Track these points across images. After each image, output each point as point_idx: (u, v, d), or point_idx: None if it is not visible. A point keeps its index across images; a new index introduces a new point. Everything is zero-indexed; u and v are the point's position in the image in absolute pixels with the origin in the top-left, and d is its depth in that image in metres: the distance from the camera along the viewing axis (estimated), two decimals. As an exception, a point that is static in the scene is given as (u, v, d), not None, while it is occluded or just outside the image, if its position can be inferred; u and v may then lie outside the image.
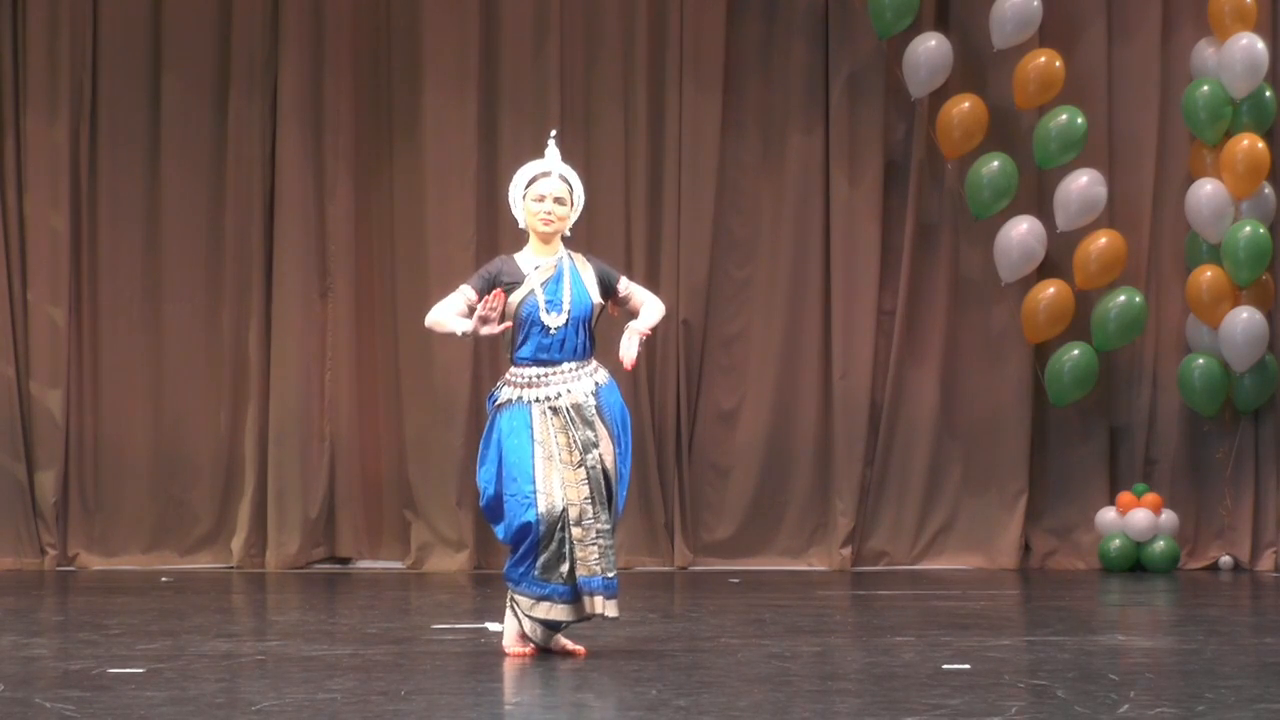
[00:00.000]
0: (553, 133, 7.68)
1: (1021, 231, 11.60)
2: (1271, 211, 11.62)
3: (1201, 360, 11.58)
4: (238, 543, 11.74)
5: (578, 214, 7.44)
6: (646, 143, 11.90)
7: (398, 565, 11.84)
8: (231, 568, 11.74)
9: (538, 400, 7.21)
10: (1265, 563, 11.77)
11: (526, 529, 7.15)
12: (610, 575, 7.18)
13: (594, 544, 7.14)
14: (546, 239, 7.33)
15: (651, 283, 11.80)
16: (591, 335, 7.32)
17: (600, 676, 6.75)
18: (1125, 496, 11.63)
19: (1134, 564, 11.60)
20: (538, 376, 7.22)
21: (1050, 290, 11.64)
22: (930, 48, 11.61)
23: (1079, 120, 11.54)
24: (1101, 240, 11.60)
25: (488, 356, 11.67)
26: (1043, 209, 11.77)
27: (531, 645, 7.25)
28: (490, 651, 7.52)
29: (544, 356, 7.23)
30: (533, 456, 7.17)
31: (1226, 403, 11.69)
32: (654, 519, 11.82)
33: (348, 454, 11.84)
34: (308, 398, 11.79)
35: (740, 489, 11.95)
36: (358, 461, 11.87)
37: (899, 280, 11.90)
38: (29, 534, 11.67)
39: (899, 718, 5.80)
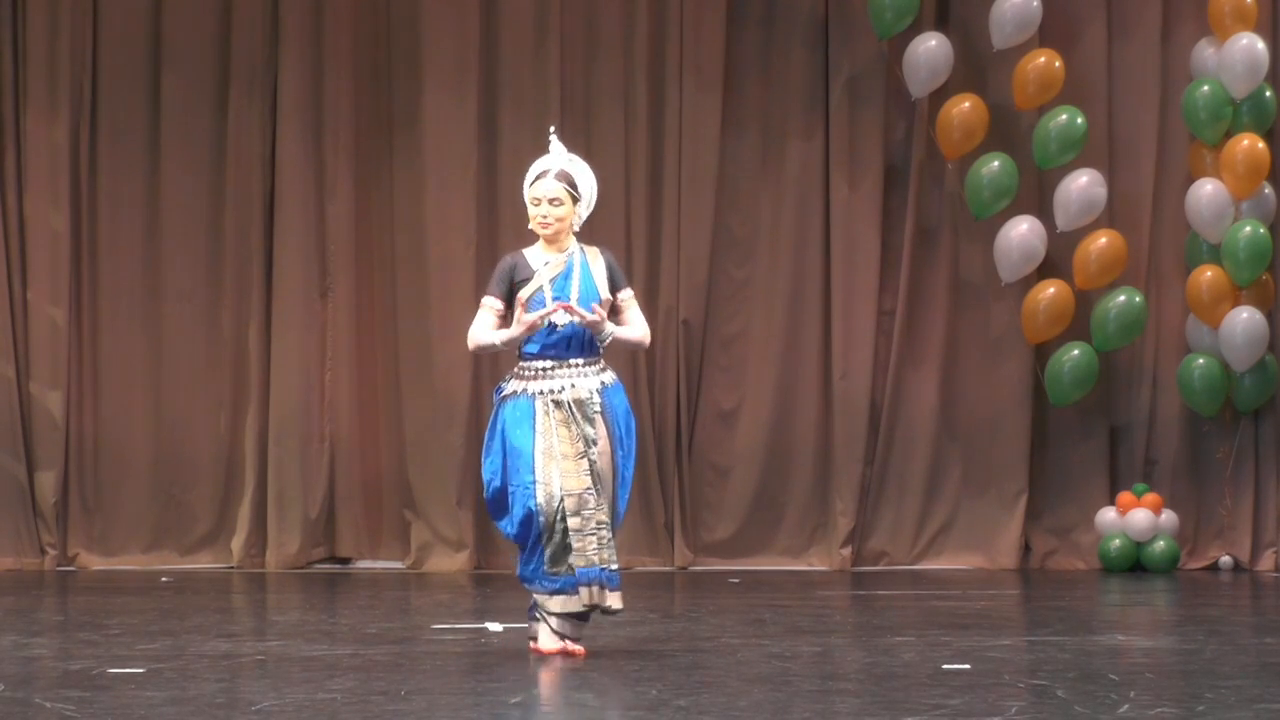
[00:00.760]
0: (552, 128, 7.69)
1: (1022, 231, 11.60)
2: (1271, 211, 11.61)
3: (1201, 360, 11.58)
4: (238, 543, 11.74)
5: (589, 206, 7.43)
6: (646, 142, 11.89)
7: (398, 565, 11.83)
8: (231, 568, 11.74)
9: (541, 393, 7.21)
10: (1265, 563, 11.76)
11: (529, 519, 7.14)
12: (613, 567, 7.17)
13: (593, 534, 7.13)
14: (547, 239, 7.34)
15: (651, 283, 11.81)
16: None
17: (600, 676, 6.75)
18: (1125, 496, 11.63)
19: (1134, 564, 11.60)
20: (544, 370, 7.23)
21: (1050, 290, 11.64)
22: (930, 48, 11.61)
23: (1079, 120, 11.54)
24: (1101, 240, 11.60)
25: (488, 356, 11.65)
26: (1043, 209, 11.77)
27: (568, 641, 7.21)
28: (490, 651, 7.52)
29: (551, 352, 7.24)
30: (533, 448, 7.17)
31: (1226, 403, 11.68)
32: (654, 519, 11.81)
33: (348, 454, 11.84)
34: (308, 398, 11.78)
35: (740, 489, 11.94)
36: (358, 461, 11.87)
37: (899, 280, 11.90)
38: (29, 534, 11.66)
39: (899, 718, 5.80)
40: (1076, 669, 6.93)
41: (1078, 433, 11.93)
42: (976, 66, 11.86)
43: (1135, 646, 7.85)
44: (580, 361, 7.26)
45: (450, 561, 11.68)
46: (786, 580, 11.14)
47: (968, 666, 6.96)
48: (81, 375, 11.79)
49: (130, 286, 11.86)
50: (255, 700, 6.16)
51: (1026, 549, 11.93)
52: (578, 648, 7.26)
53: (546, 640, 7.24)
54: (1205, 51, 11.63)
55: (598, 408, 7.21)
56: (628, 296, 7.44)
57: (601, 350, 7.35)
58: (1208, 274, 11.47)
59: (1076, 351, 11.63)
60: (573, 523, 7.13)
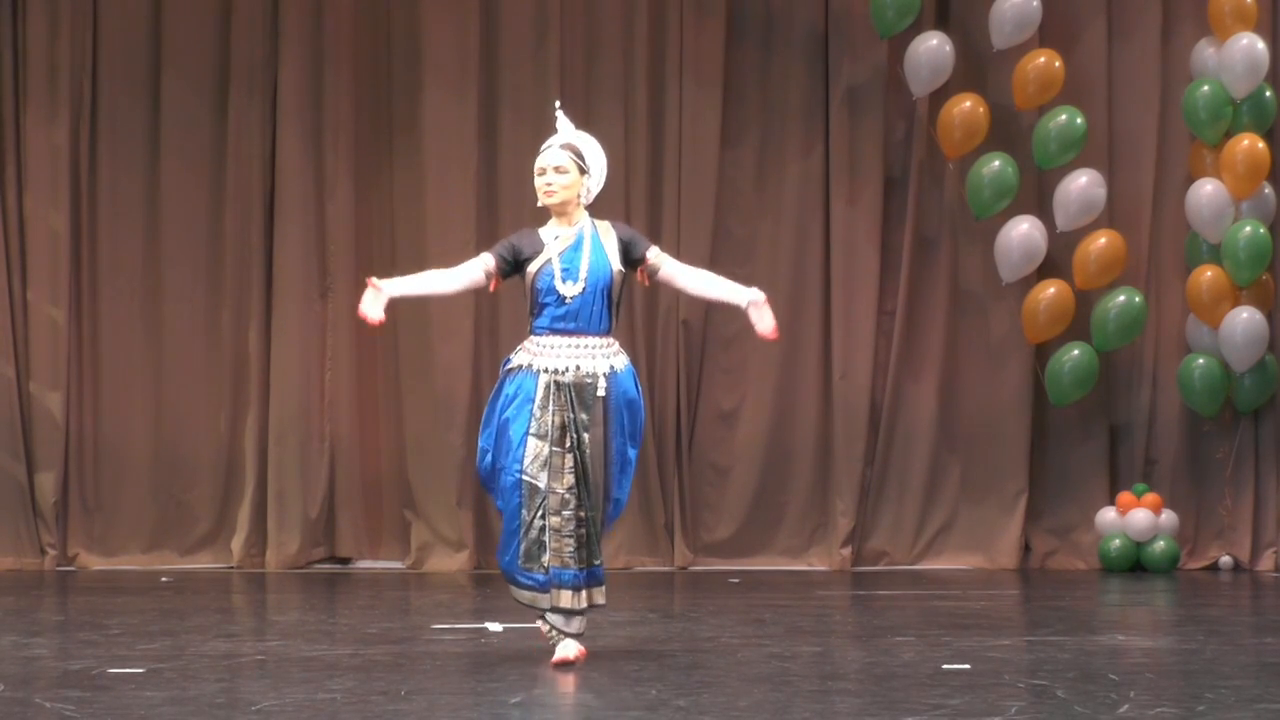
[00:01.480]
0: (557, 103, 7.66)
1: (1022, 232, 11.60)
2: (1271, 211, 11.62)
3: (1201, 360, 11.58)
4: (238, 543, 11.74)
5: (599, 181, 7.36)
6: (646, 142, 11.90)
7: (398, 565, 11.84)
8: (231, 568, 11.74)
9: (546, 370, 7.07)
10: (1265, 563, 11.77)
11: (512, 507, 7.06)
12: (591, 565, 7.00)
13: (571, 536, 6.99)
14: (555, 211, 7.25)
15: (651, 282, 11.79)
16: (612, 306, 7.18)
17: (600, 676, 6.75)
18: (1125, 496, 11.63)
19: (1134, 564, 11.60)
20: (553, 346, 7.10)
21: (1050, 290, 11.64)
22: (932, 46, 11.61)
23: (1079, 120, 11.54)
24: (1101, 240, 11.60)
25: (488, 357, 11.67)
26: (1043, 209, 11.77)
27: (573, 649, 7.04)
28: (490, 651, 7.52)
29: (560, 326, 7.11)
30: (526, 434, 7.05)
31: (1226, 403, 11.69)
32: (654, 519, 11.82)
33: (348, 454, 11.84)
34: (308, 398, 11.79)
35: (740, 489, 11.95)
36: (358, 461, 11.87)
37: (899, 280, 11.90)
38: (29, 534, 11.67)
39: (899, 718, 5.80)
40: (1076, 669, 6.93)
41: (1078, 433, 11.93)
42: (976, 66, 11.87)
43: (1135, 646, 7.85)
44: (591, 341, 7.13)
45: (450, 561, 11.69)
46: (786, 580, 11.14)
47: (968, 666, 6.96)
48: (81, 375, 11.80)
49: (130, 286, 11.87)
50: (255, 700, 6.16)
51: (1026, 549, 11.94)
52: (573, 654, 7.05)
53: (560, 650, 7.08)
54: (1205, 51, 11.63)
55: (600, 391, 7.08)
56: (657, 254, 7.29)
57: (613, 329, 7.23)
58: (1208, 274, 11.47)
59: (1076, 351, 11.64)
60: (552, 521, 7.01)
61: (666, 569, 11.75)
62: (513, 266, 7.23)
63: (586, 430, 7.05)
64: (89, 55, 11.80)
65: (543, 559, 7.03)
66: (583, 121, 11.81)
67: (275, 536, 11.73)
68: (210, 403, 11.87)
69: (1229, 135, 11.52)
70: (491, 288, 7.31)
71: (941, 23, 11.89)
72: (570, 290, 7.11)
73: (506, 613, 8.75)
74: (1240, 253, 11.32)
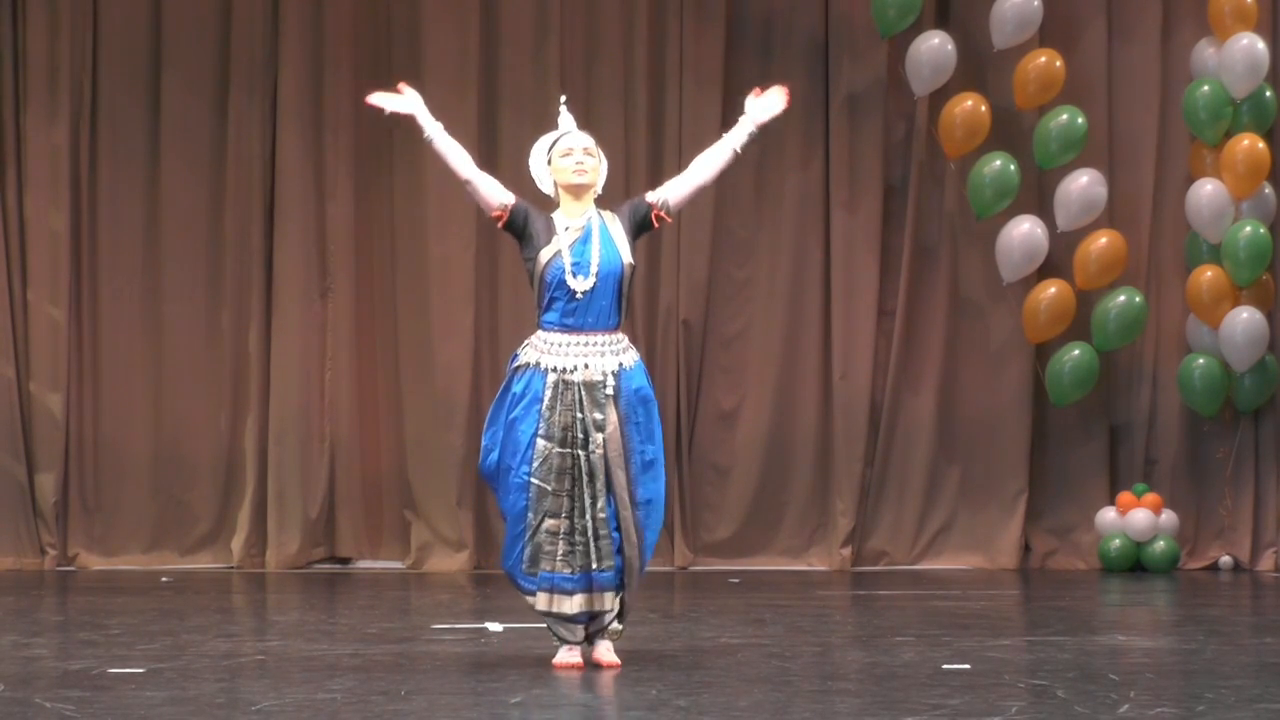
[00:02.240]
0: (563, 99, 7.64)
1: (1023, 231, 11.60)
2: (1272, 211, 11.61)
3: (1201, 360, 11.58)
4: (238, 543, 11.74)
5: (604, 175, 7.38)
6: (646, 142, 11.90)
7: (398, 565, 11.84)
8: (231, 568, 11.74)
9: (554, 369, 6.99)
10: (1265, 563, 11.77)
11: (518, 510, 7.02)
12: (589, 570, 6.92)
13: (566, 538, 6.92)
14: (580, 192, 7.16)
15: (651, 282, 11.81)
16: (622, 299, 7.09)
17: (600, 676, 6.75)
18: (1125, 496, 11.63)
19: (1134, 564, 11.60)
20: (561, 344, 7.01)
21: (1051, 290, 11.64)
22: (933, 46, 11.60)
23: (1079, 120, 11.54)
24: (1102, 240, 11.60)
25: (488, 357, 11.67)
26: (1043, 209, 11.77)
27: (576, 656, 6.98)
28: (490, 651, 7.52)
29: (570, 321, 7.02)
30: (534, 436, 6.97)
31: (1226, 403, 11.69)
32: (654, 519, 11.80)
33: (348, 454, 11.84)
34: (308, 398, 11.79)
35: (740, 489, 11.94)
36: (358, 461, 11.87)
37: (899, 280, 11.90)
38: (29, 534, 11.67)
39: (899, 718, 5.80)
40: (1076, 669, 6.93)
41: (1078, 433, 11.93)
42: (977, 66, 11.86)
43: (1135, 646, 7.85)
44: (600, 338, 7.04)
45: (450, 561, 11.68)
46: (786, 580, 11.14)
47: (968, 666, 6.96)
48: (81, 375, 11.80)
49: (130, 286, 11.87)
50: (255, 700, 6.16)
51: (1026, 549, 11.94)
52: (576, 659, 7.00)
53: (560, 656, 7.06)
54: (1205, 51, 11.63)
55: (609, 391, 6.98)
56: (657, 195, 7.25)
57: (622, 324, 7.15)
58: (1208, 274, 11.47)
59: (1077, 351, 11.64)
60: (549, 524, 6.96)
61: (667, 569, 11.75)
62: (520, 229, 7.17)
63: (601, 430, 6.96)
64: (89, 55, 11.80)
65: (543, 563, 7.01)
66: (583, 122, 11.76)
67: (275, 536, 11.73)
68: (210, 403, 11.87)
69: (1229, 135, 11.52)
70: (497, 221, 7.24)
71: (942, 22, 11.89)
72: (581, 285, 7.02)
73: (506, 613, 8.75)
74: (1240, 253, 11.32)
